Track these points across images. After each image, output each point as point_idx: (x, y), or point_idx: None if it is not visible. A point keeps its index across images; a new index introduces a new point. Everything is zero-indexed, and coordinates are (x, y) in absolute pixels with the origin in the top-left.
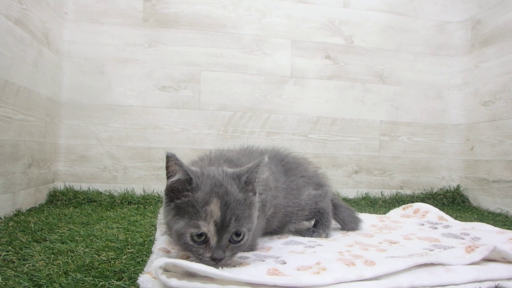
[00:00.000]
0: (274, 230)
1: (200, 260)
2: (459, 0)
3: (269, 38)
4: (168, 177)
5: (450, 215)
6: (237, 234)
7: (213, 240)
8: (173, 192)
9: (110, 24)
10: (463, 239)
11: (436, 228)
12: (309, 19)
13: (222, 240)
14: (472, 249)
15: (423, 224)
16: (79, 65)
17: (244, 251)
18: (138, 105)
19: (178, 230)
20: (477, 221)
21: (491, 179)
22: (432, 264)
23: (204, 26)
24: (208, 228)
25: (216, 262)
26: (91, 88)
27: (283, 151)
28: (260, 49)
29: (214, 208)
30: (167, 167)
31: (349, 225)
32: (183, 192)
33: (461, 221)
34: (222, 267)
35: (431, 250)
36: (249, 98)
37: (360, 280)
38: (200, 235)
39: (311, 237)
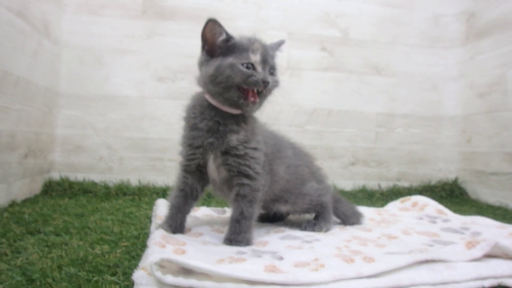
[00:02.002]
0: (268, 203)
1: (252, 84)
2: None
3: (265, 30)
4: (206, 41)
5: (449, 208)
6: (272, 68)
7: (259, 67)
8: (213, 51)
9: (109, 16)
10: (463, 234)
11: (435, 222)
12: (305, 12)
13: (265, 69)
14: (473, 245)
15: (421, 218)
16: (78, 56)
17: (241, 245)
18: (135, 96)
19: (230, 62)
20: (476, 215)
21: (489, 171)
22: (432, 261)
23: (202, 18)
24: (255, 58)
25: (265, 83)
26: (89, 79)
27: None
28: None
29: (258, 46)
30: (210, 30)
31: (350, 219)
32: (225, 45)
33: (460, 214)
34: (218, 263)
35: (431, 246)
36: None
37: (360, 278)
38: (248, 66)
39: (313, 231)
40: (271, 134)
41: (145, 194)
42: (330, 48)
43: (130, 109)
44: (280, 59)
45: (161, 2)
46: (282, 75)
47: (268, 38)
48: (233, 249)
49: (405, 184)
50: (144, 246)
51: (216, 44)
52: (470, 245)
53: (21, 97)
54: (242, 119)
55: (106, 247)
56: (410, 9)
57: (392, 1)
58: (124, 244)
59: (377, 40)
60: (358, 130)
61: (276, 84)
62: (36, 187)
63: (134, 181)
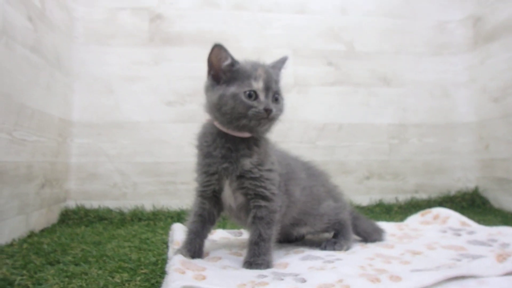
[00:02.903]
0: (288, 227)
1: (254, 115)
2: None
3: (270, 48)
4: (212, 66)
5: (472, 219)
6: (277, 93)
7: (261, 95)
8: (218, 76)
9: (117, 45)
10: (491, 246)
11: (459, 234)
12: (308, 27)
13: (268, 96)
14: (504, 258)
15: (445, 231)
16: (89, 85)
17: (261, 268)
18: (145, 121)
19: (232, 93)
20: (501, 224)
21: (511, 177)
22: (462, 277)
23: (207, 41)
24: (258, 85)
25: (268, 112)
26: (100, 107)
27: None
28: (262, 60)
29: (261, 72)
30: (215, 55)
31: (372, 236)
32: (230, 70)
33: (485, 225)
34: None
35: (459, 260)
36: None
37: None
38: (251, 94)
39: (334, 249)
40: (284, 155)
41: (160, 219)
42: (336, 62)
43: (141, 134)
44: (287, 76)
45: (167, 28)
46: (289, 92)
47: (273, 56)
48: (253, 273)
49: (423, 196)
50: (163, 273)
51: (221, 68)
52: (501, 258)
53: (37, 128)
54: (254, 142)
55: (125, 275)
56: (414, 18)
57: (394, 11)
58: (143, 271)
59: (382, 51)
60: (370, 143)
61: (280, 112)
62: (53, 217)
63: (148, 206)
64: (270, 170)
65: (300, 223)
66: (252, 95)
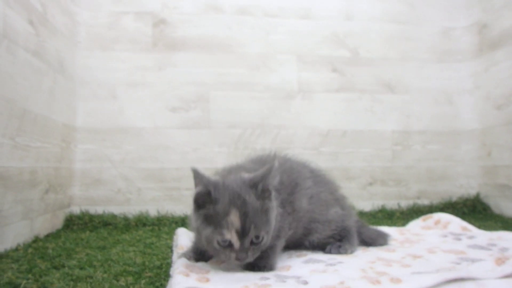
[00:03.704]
0: (300, 237)
1: (228, 260)
2: (463, 6)
3: (274, 54)
4: (195, 187)
5: (473, 225)
6: (257, 237)
7: (236, 244)
8: (199, 201)
9: (121, 50)
10: (490, 250)
11: (460, 239)
12: (313, 34)
13: (244, 244)
14: (503, 261)
15: (446, 236)
16: (92, 91)
17: (264, 270)
18: (149, 127)
19: (207, 237)
20: (502, 230)
21: None
22: (462, 279)
23: (211, 47)
24: (231, 235)
25: (241, 261)
26: (104, 112)
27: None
28: (266, 66)
29: (234, 218)
30: (194, 179)
31: (378, 241)
32: (206, 203)
33: (485, 230)
34: None
35: (459, 264)
36: (258, 115)
37: None
38: (224, 241)
39: (339, 253)
40: (290, 165)
41: (164, 224)
42: (341, 68)
43: (145, 140)
44: (291, 83)
45: (171, 33)
46: (294, 99)
47: (278, 62)
48: (256, 275)
49: (425, 202)
50: (167, 276)
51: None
52: (500, 261)
53: (40, 134)
54: None
55: (130, 279)
56: (419, 25)
57: (399, 18)
58: (148, 274)
59: (387, 58)
60: (374, 150)
61: (258, 252)
62: (58, 222)
63: (152, 211)
64: (267, 232)
65: (311, 231)
66: (226, 243)
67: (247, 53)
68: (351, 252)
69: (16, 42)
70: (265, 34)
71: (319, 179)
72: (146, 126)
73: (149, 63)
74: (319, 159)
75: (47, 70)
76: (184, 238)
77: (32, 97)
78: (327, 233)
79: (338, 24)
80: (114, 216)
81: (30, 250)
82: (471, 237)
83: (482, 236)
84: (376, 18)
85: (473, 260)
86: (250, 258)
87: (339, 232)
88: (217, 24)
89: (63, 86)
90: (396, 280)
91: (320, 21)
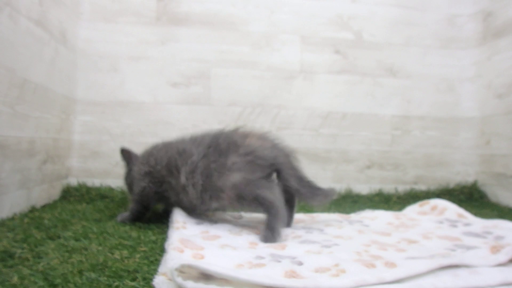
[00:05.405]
0: (196, 204)
1: None
2: None
3: (278, 34)
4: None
5: (469, 212)
6: None
7: None
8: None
9: (124, 23)
10: (485, 238)
11: (455, 226)
12: (317, 15)
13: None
14: (498, 250)
15: (441, 222)
16: (94, 63)
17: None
18: (150, 102)
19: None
20: (497, 218)
21: (510, 173)
22: (456, 266)
23: (214, 23)
24: None
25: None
26: (104, 85)
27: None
28: (269, 45)
29: None
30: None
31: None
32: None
33: (481, 218)
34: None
35: (453, 251)
36: (259, 94)
37: (381, 284)
38: None
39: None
40: (173, 145)
41: None
42: (344, 51)
43: (145, 114)
44: (293, 63)
45: (175, 8)
46: (295, 79)
47: (281, 42)
48: (251, 253)
49: (422, 187)
50: (162, 251)
51: None
52: (495, 249)
53: (40, 104)
54: None
55: (125, 252)
56: (424, 10)
57: (405, 2)
58: (143, 249)
59: (390, 42)
60: (373, 133)
61: None
62: (55, 193)
63: None
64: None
65: (204, 200)
66: None
67: (250, 32)
68: (275, 241)
69: (18, 10)
70: (269, 13)
71: (220, 147)
72: (146, 101)
73: (152, 37)
74: (318, 141)
75: (49, 40)
76: (180, 213)
77: (33, 67)
78: (227, 201)
79: (343, 6)
80: (111, 189)
81: (26, 219)
82: (467, 224)
83: (478, 223)
84: (381, 2)
85: (468, 248)
86: None
87: (250, 202)
88: (222, 1)
89: (64, 57)
90: (390, 265)
91: (325, 2)
